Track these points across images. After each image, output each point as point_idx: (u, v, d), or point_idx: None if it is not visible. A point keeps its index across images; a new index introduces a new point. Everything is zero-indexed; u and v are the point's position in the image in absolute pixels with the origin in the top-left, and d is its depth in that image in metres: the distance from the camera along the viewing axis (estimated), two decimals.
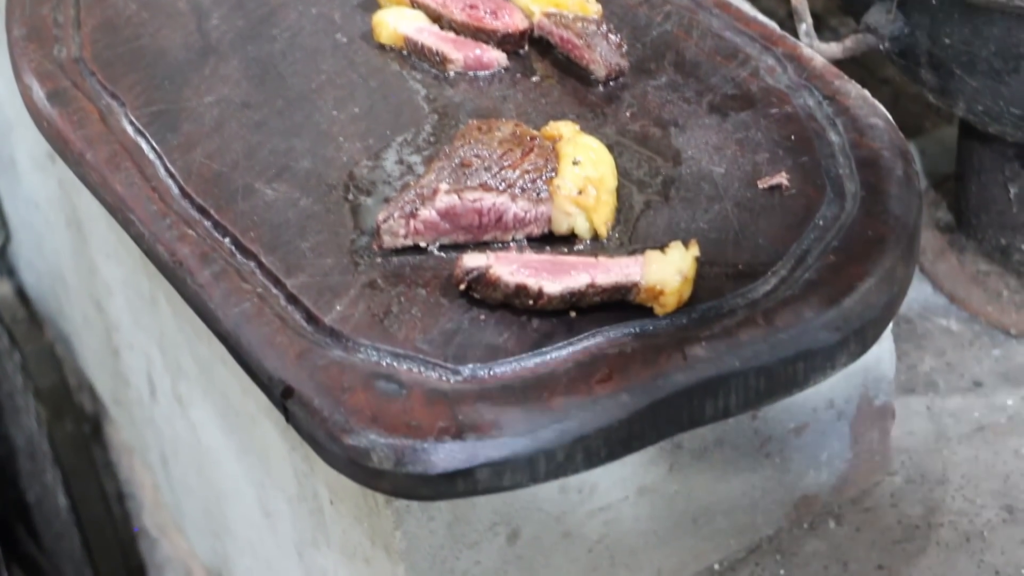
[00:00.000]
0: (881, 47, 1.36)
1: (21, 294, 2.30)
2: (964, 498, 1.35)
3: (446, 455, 0.89)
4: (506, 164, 1.03)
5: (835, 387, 1.28)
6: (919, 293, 1.55)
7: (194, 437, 1.62)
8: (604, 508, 1.20)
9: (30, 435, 2.40)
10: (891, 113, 1.16)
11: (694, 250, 0.97)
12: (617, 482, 1.20)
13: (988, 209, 1.51)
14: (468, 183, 1.02)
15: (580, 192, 1.02)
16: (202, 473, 1.65)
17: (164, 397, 1.69)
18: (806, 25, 1.35)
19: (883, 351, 1.30)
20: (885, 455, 1.34)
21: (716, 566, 1.30)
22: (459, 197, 1.01)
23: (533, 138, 1.06)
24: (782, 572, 1.29)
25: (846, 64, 1.32)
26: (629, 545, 1.24)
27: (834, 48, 1.34)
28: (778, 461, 1.28)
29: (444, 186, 1.02)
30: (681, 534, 1.26)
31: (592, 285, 0.96)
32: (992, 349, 1.50)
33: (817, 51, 1.31)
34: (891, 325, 1.28)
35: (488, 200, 1.02)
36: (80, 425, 2.18)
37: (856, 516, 1.33)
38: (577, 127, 1.09)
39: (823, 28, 1.44)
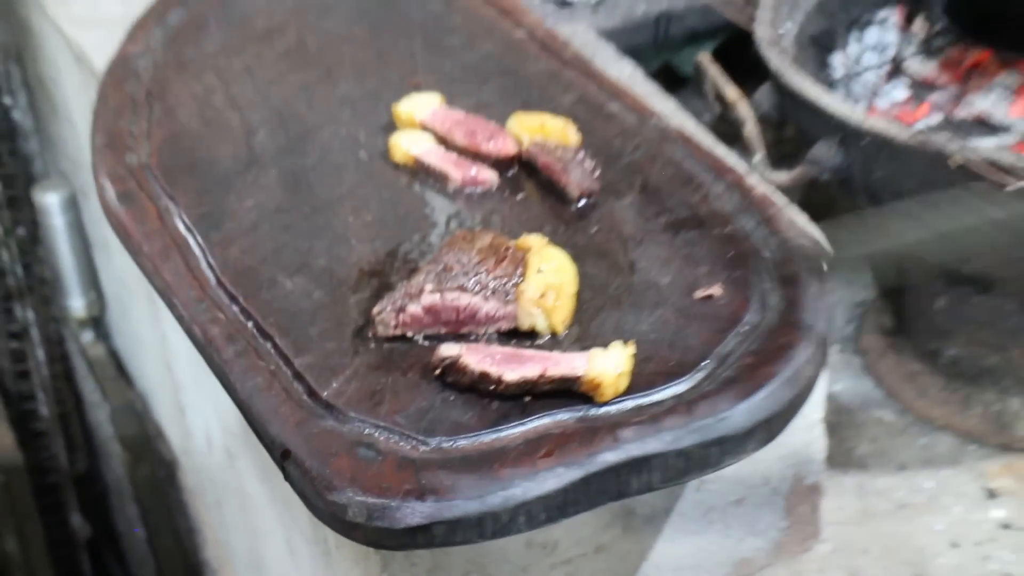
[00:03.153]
0: (823, 177, 1.40)
1: (112, 355, 2.34)
2: (882, 567, 1.38)
3: (408, 513, 0.93)
4: (482, 270, 1.07)
5: (771, 467, 1.31)
6: (863, 387, 1.59)
7: (239, 485, 1.67)
8: (565, 562, 1.24)
9: (117, 476, 2.46)
10: None
11: (631, 349, 1.02)
12: (577, 540, 1.23)
13: (920, 319, 1.54)
14: (449, 285, 1.06)
15: (542, 296, 1.06)
16: (245, 515, 1.70)
17: (217, 450, 1.74)
18: (760, 155, 1.40)
19: (814, 438, 1.33)
20: (815, 526, 1.37)
21: None
22: (440, 296, 1.06)
23: (507, 248, 1.10)
24: None
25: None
26: None
27: (783, 176, 1.38)
28: (720, 527, 1.31)
29: (429, 286, 1.06)
30: None
31: (543, 376, 1.00)
32: (919, 438, 1.52)
33: (768, 179, 1.36)
34: (823, 415, 1.33)
35: (464, 300, 1.06)
36: (156, 469, 2.23)
37: None
38: (546, 240, 1.13)
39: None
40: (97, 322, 2.32)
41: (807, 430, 1.31)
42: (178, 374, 1.85)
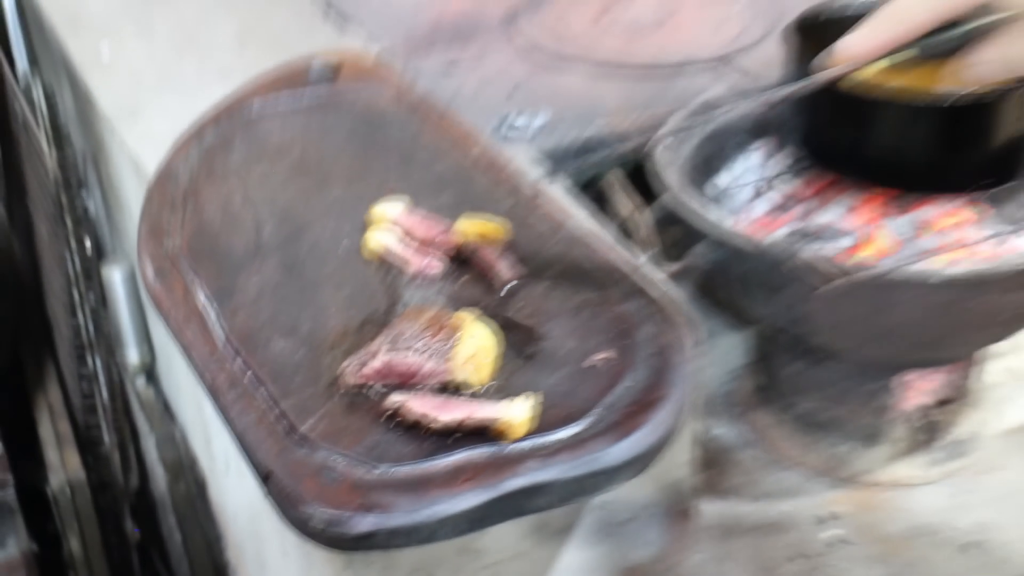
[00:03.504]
0: (702, 270, 1.44)
1: (159, 396, 2.37)
2: (745, 571, 1.41)
3: (357, 523, 0.97)
4: (426, 336, 1.11)
5: (653, 495, 1.35)
6: (739, 432, 1.61)
7: (248, 499, 1.69)
8: (490, 565, 1.27)
9: (161, 492, 2.48)
10: None
11: (535, 400, 1.06)
12: (500, 548, 1.27)
13: (781, 380, 1.57)
14: (399, 347, 1.11)
15: (470, 357, 1.10)
16: (252, 523, 1.73)
17: (233, 473, 1.76)
18: (652, 252, 1.43)
19: (685, 474, 1.37)
20: (688, 540, 1.40)
21: None
22: (393, 356, 1.10)
23: (447, 320, 1.14)
24: None
25: None
26: None
27: (672, 268, 1.41)
28: (614, 540, 1.34)
29: (384, 348, 1.11)
30: None
31: (468, 418, 1.04)
32: (778, 472, 1.55)
33: (660, 271, 1.39)
34: (690, 457, 1.36)
35: (411, 359, 1.10)
36: (191, 487, 2.25)
37: None
38: (475, 314, 1.17)
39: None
40: (148, 370, 2.34)
41: (679, 468, 1.35)
42: (206, 412, 1.87)
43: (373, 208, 1.36)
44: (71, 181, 2.33)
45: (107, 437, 2.57)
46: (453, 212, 1.36)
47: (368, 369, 1.10)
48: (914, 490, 1.52)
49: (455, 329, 1.13)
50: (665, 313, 1.20)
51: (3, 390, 2.37)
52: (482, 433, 1.04)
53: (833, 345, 1.44)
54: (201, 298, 1.26)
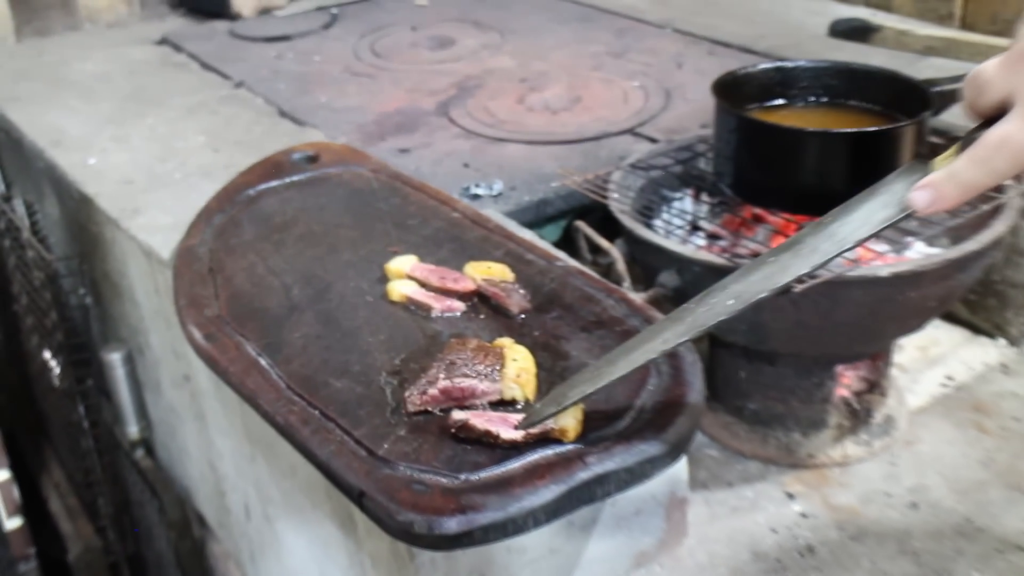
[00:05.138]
0: (668, 295, 1.44)
1: (156, 464, 2.26)
2: (730, 550, 1.40)
3: (456, 524, 0.93)
4: (476, 362, 1.08)
5: (656, 488, 1.32)
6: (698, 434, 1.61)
7: (275, 539, 1.62)
8: (532, 561, 1.23)
9: (160, 553, 2.35)
10: None
11: (580, 408, 1.03)
12: (538, 545, 1.23)
13: (729, 385, 1.57)
14: (455, 373, 1.07)
15: (517, 376, 1.07)
16: (280, 561, 1.64)
17: (256, 518, 1.68)
18: (627, 283, 1.43)
19: (682, 465, 1.35)
20: (685, 525, 1.38)
21: None
22: (451, 381, 1.06)
23: (490, 347, 1.11)
24: None
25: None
26: None
27: (642, 296, 1.41)
28: (626, 530, 1.31)
29: (441, 375, 1.07)
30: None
31: (528, 434, 1.01)
32: (736, 465, 1.55)
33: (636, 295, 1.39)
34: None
35: (467, 383, 1.06)
36: (195, 543, 2.15)
37: (669, 562, 1.36)
38: (513, 340, 1.14)
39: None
40: (146, 442, 2.23)
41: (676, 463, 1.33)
42: (220, 470, 1.79)
43: (387, 265, 1.33)
44: (57, 282, 2.22)
45: (104, 508, 2.44)
46: (455, 264, 1.33)
47: (429, 395, 1.07)
48: (855, 466, 1.53)
49: (498, 354, 1.10)
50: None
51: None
52: (541, 439, 1.01)
53: (783, 347, 1.45)
54: (252, 353, 1.21)
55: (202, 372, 1.66)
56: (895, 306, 1.35)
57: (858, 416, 1.54)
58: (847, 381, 1.52)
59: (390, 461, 1.00)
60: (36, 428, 2.61)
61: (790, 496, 1.48)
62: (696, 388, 1.09)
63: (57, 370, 2.31)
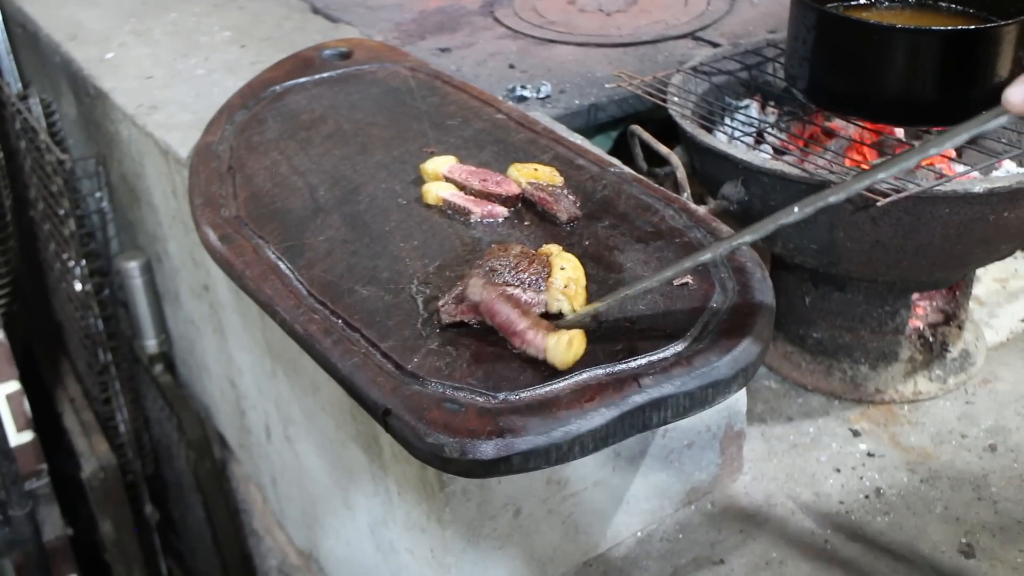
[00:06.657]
0: (731, 209, 1.34)
1: (176, 380, 2.20)
2: (788, 489, 1.31)
3: (493, 448, 0.84)
4: (519, 270, 0.99)
5: (711, 418, 1.24)
6: None
7: (297, 463, 1.55)
8: (572, 495, 1.15)
9: (179, 472, 2.30)
10: None
11: (581, 336, 0.93)
12: (580, 478, 1.15)
13: (792, 312, 1.47)
14: (496, 281, 0.98)
15: (565, 287, 0.98)
16: (301, 486, 1.58)
17: (277, 439, 1.61)
18: (687, 193, 1.33)
19: (740, 395, 1.26)
20: (740, 461, 1.30)
21: (639, 533, 1.24)
22: (491, 291, 0.97)
23: (535, 254, 1.02)
24: (680, 536, 1.24)
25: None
26: (588, 519, 1.19)
27: (703, 209, 1.31)
28: (677, 465, 1.23)
29: (480, 283, 0.98)
30: (619, 512, 1.21)
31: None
32: (797, 398, 1.46)
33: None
34: None
35: (508, 291, 0.97)
36: (215, 464, 2.09)
37: (722, 499, 1.29)
38: (561, 247, 1.05)
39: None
40: (166, 357, 2.17)
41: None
42: (240, 386, 1.72)
43: (423, 165, 1.23)
44: (74, 184, 2.14)
45: (122, 426, 2.38)
46: (497, 167, 1.23)
47: (465, 304, 0.97)
48: (927, 403, 1.43)
49: (544, 262, 1.00)
50: (728, 239, 1.08)
51: (24, 385, 2.17)
52: (592, 355, 0.91)
53: (856, 271, 1.34)
54: (272, 256, 1.12)
55: (221, 281, 1.58)
56: (986, 227, 1.24)
57: (932, 350, 1.43)
58: (922, 311, 1.42)
59: (420, 377, 0.91)
60: (52, 340, 2.55)
61: (855, 433, 1.39)
62: (766, 306, 0.98)
63: (74, 279, 2.24)
